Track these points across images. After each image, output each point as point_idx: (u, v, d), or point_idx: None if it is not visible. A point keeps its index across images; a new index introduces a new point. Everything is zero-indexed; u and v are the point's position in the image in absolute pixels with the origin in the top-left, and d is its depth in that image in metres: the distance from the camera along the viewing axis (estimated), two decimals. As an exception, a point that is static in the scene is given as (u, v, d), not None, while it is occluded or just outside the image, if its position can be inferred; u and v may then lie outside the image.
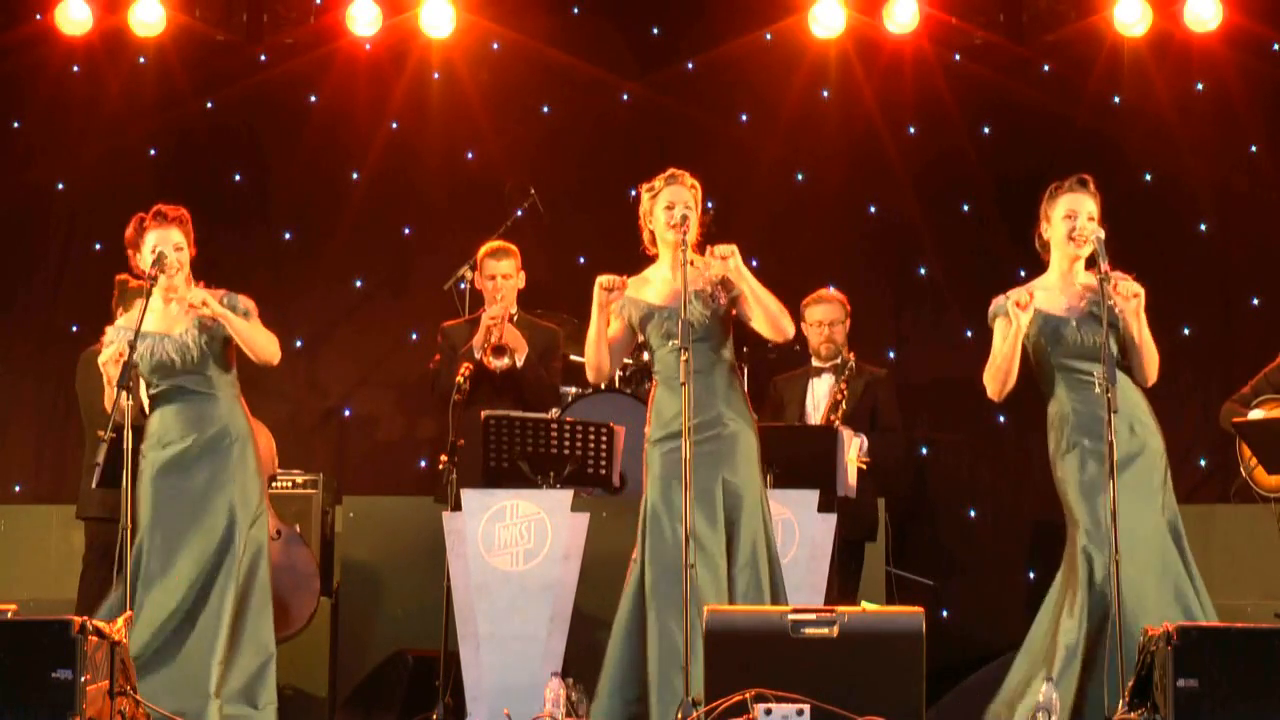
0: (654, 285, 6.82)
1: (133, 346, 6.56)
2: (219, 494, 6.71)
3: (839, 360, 8.66)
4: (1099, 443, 6.38)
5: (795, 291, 8.68)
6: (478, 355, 8.26)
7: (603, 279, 6.74)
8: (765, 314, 6.69)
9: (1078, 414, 6.50)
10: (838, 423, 8.31)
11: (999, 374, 6.58)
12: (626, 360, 9.10)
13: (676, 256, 6.62)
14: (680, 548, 6.44)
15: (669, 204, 6.72)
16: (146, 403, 6.80)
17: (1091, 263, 6.53)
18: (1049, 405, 6.62)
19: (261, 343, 6.82)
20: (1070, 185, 6.59)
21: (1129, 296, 6.45)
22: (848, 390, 8.55)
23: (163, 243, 6.75)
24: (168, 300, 6.81)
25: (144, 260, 6.76)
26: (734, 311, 6.78)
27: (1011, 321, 6.52)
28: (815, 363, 8.75)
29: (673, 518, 6.56)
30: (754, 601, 6.55)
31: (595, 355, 6.82)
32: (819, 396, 8.67)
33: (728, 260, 6.62)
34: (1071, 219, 6.54)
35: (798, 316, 8.45)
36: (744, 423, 6.72)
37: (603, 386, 9.06)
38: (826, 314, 8.65)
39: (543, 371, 8.39)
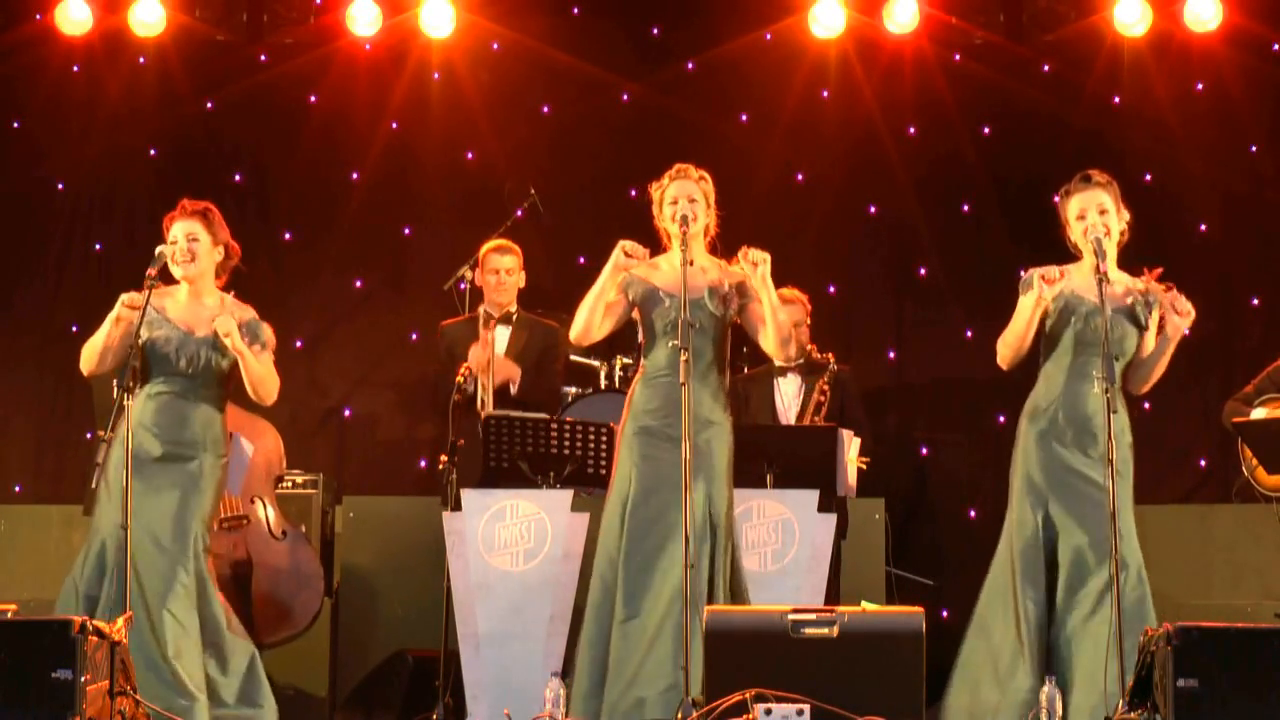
0: (664, 272, 6.81)
1: (134, 347, 6.55)
2: (178, 502, 6.67)
3: (804, 360, 8.62)
4: (1081, 433, 6.44)
5: (795, 292, 8.71)
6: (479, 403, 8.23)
7: (626, 243, 6.70)
8: (777, 332, 6.72)
9: (1069, 398, 6.50)
10: (819, 423, 8.31)
11: (1014, 343, 6.57)
12: (626, 360, 9.11)
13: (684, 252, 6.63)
14: (654, 547, 6.48)
15: (674, 199, 6.75)
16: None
17: (1122, 261, 6.56)
18: (1040, 374, 6.61)
19: (268, 384, 6.81)
20: (1076, 184, 6.61)
21: (1185, 313, 6.52)
22: (829, 390, 8.52)
23: (180, 234, 6.76)
24: (194, 296, 6.80)
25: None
26: (738, 320, 6.79)
27: (1037, 292, 6.52)
28: (779, 362, 8.70)
29: (649, 516, 6.58)
30: (723, 603, 6.58)
31: (589, 313, 6.76)
32: (788, 397, 8.66)
33: (758, 267, 6.63)
34: (1083, 218, 6.55)
35: None
36: (723, 427, 6.75)
37: (602, 386, 9.08)
38: (792, 314, 8.48)
39: (540, 382, 8.38)
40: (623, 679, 6.53)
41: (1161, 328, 6.60)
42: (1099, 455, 6.38)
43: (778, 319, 6.71)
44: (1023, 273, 6.63)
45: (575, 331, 6.86)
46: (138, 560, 6.59)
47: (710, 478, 6.67)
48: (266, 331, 6.83)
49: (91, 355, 6.74)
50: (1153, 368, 6.62)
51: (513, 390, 8.31)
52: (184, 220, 6.79)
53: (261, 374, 6.78)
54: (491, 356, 8.26)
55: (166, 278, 6.83)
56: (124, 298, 6.70)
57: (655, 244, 6.88)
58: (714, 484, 6.68)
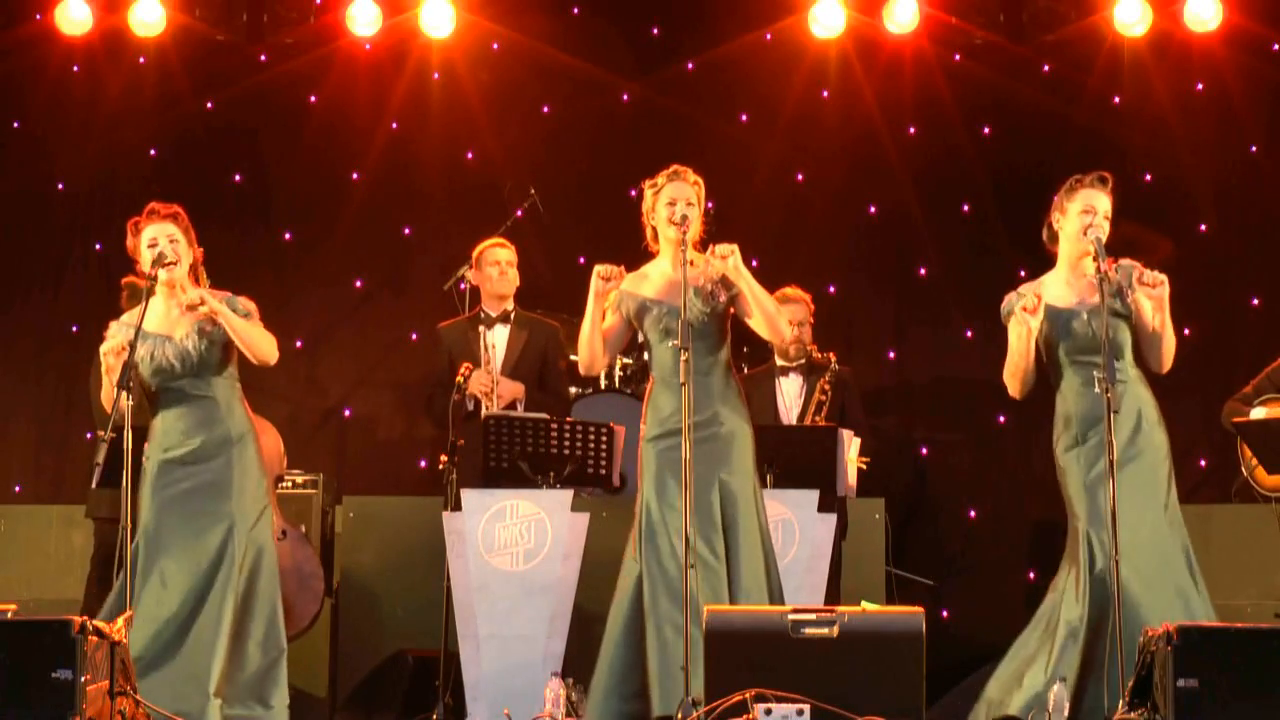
0: (652, 280, 6.82)
1: (133, 347, 6.56)
2: (218, 497, 6.69)
3: (805, 360, 8.63)
4: (1103, 441, 6.39)
5: (795, 291, 8.72)
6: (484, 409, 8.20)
7: (600, 268, 6.73)
8: (763, 314, 6.71)
9: (1085, 409, 6.50)
10: (820, 423, 8.32)
11: (1016, 374, 6.61)
12: (626, 360, 9.11)
13: (677, 254, 6.62)
14: (678, 548, 6.44)
15: (670, 200, 6.73)
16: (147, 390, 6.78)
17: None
18: (1057, 396, 6.62)
19: (260, 343, 6.80)
20: (1091, 181, 6.61)
21: (1154, 284, 6.49)
22: (831, 390, 8.53)
23: (159, 236, 6.73)
24: (171, 298, 6.81)
25: (144, 259, 6.75)
26: (732, 310, 6.79)
27: (1022, 323, 6.53)
28: (781, 362, 8.71)
29: (669, 517, 6.56)
30: (755, 601, 6.55)
31: (589, 346, 6.78)
32: (790, 397, 8.65)
33: (727, 260, 6.63)
34: (1089, 214, 6.55)
35: None
36: (740, 422, 6.73)
37: (602, 386, 9.08)
38: (794, 314, 8.54)
39: (545, 396, 8.38)
40: (662, 685, 6.50)
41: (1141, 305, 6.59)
42: (1133, 454, 6.39)
43: (760, 301, 6.70)
44: (1005, 300, 6.64)
45: (583, 365, 6.88)
46: (174, 559, 6.60)
47: (729, 471, 6.66)
48: (244, 302, 6.81)
49: (109, 402, 6.74)
50: (1160, 341, 6.59)
51: (519, 409, 8.29)
52: (160, 223, 6.76)
53: (249, 332, 6.74)
54: (495, 382, 8.24)
55: (136, 297, 6.85)
56: (104, 349, 6.69)
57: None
58: (733, 477, 6.67)
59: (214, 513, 6.67)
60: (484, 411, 8.06)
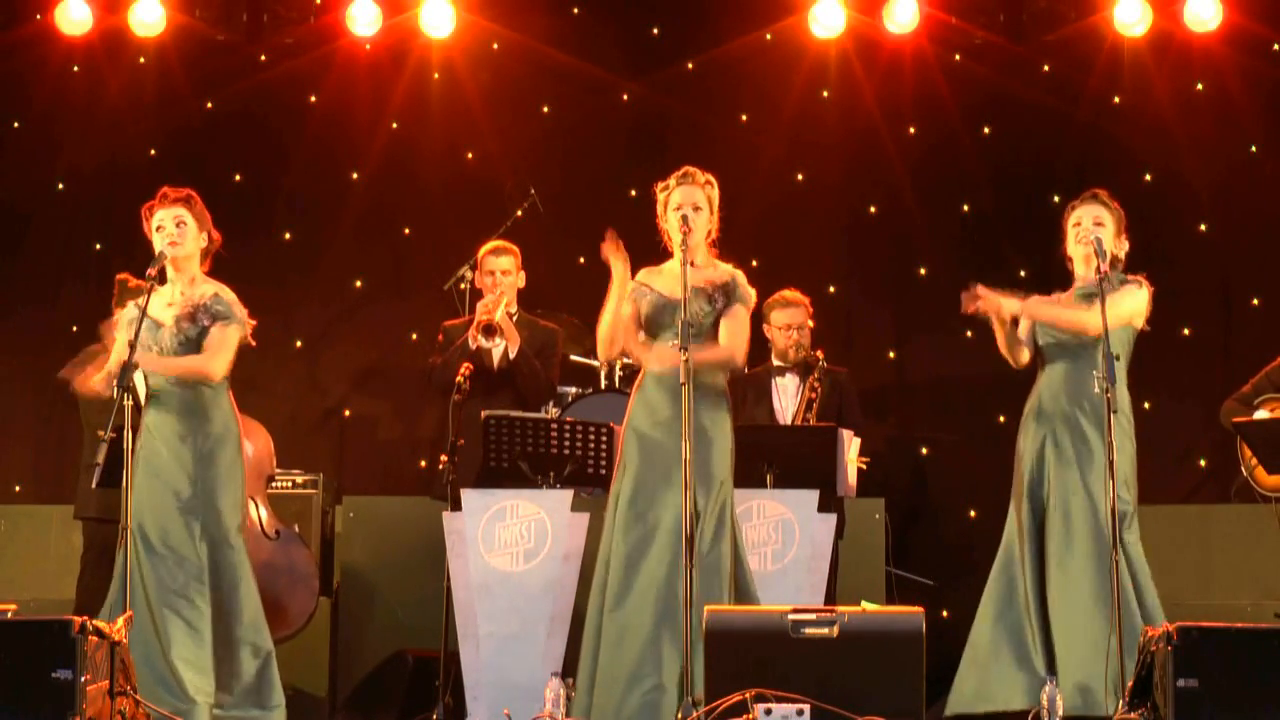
0: (665, 277, 6.84)
1: (133, 347, 6.56)
2: (193, 495, 6.67)
3: (803, 360, 8.64)
4: (1078, 436, 6.62)
5: (795, 291, 8.72)
6: (472, 345, 8.24)
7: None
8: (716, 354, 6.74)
9: (1064, 400, 6.70)
10: (812, 421, 8.33)
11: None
12: (626, 360, 9.11)
13: (683, 257, 6.65)
14: (638, 544, 6.52)
15: (677, 205, 6.77)
16: (143, 392, 6.77)
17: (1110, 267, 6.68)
18: (1040, 379, 6.81)
19: (195, 373, 6.70)
20: (1083, 200, 6.87)
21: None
22: (820, 389, 8.54)
23: (166, 220, 6.75)
24: (170, 283, 6.81)
25: (156, 244, 6.76)
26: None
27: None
28: (778, 362, 8.71)
29: (651, 516, 6.59)
30: (738, 601, 6.59)
31: (610, 331, 6.79)
32: (786, 396, 8.66)
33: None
34: (1079, 225, 6.81)
35: (763, 318, 8.48)
36: (722, 428, 6.76)
37: (602, 386, 9.08)
38: (794, 318, 8.58)
39: (536, 364, 8.39)
40: (609, 679, 6.53)
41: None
42: (1091, 451, 6.54)
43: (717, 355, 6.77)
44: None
45: (602, 353, 6.93)
46: (149, 558, 6.59)
47: (708, 474, 6.67)
48: (223, 307, 6.77)
49: (103, 382, 6.74)
50: None
51: (511, 354, 8.31)
52: (169, 207, 6.80)
53: (179, 368, 6.70)
54: (504, 305, 8.29)
55: (129, 293, 6.85)
56: (103, 327, 6.76)
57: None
58: (710, 483, 6.69)
59: (189, 510, 6.66)
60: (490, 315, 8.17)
